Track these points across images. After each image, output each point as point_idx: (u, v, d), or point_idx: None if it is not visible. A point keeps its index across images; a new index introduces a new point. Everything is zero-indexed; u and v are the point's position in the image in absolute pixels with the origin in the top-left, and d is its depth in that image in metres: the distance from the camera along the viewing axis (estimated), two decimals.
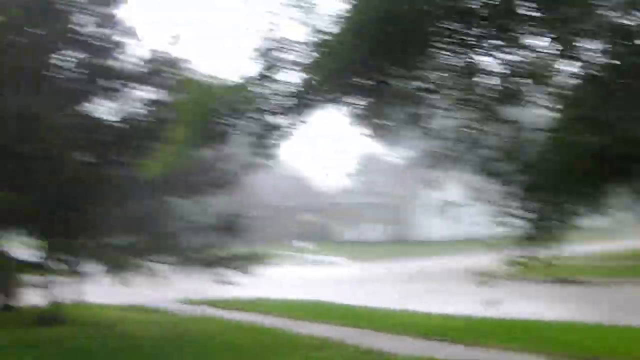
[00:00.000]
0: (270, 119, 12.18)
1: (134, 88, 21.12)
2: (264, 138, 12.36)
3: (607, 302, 23.07)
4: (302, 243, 67.97)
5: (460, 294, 26.11)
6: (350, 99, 11.85)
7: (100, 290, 27.09)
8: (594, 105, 9.48)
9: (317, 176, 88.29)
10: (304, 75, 11.67)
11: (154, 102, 20.66)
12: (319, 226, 78.83)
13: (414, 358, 13.64)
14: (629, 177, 10.36)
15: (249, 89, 12.07)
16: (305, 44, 11.55)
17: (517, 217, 10.82)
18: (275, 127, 12.22)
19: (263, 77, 11.93)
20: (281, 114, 12.13)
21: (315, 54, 11.39)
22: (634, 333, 15.50)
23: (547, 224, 10.78)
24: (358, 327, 18.44)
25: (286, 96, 11.89)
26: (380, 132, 13.09)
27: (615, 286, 27.51)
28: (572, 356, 13.45)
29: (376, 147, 70.35)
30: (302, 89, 11.78)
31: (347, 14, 10.75)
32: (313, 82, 11.62)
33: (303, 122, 12.25)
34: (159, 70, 20.01)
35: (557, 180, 10.28)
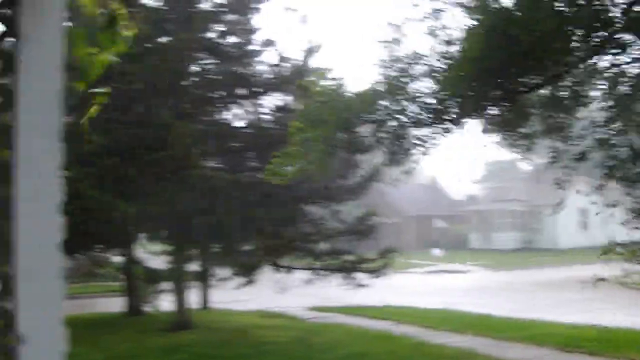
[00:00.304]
0: (407, 131, 12.15)
1: (268, 95, 21.41)
2: (402, 150, 12.34)
3: None
4: (433, 250, 67.57)
5: (594, 303, 25.42)
6: (485, 110, 11.69)
7: (228, 296, 27.52)
8: None
9: (449, 183, 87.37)
10: (438, 88, 11.60)
11: (285, 109, 20.87)
12: (450, 234, 78.13)
13: None
14: None
15: (381, 99, 12.06)
16: (438, 55, 11.47)
17: None
18: (412, 140, 12.19)
19: (396, 87, 11.88)
20: (418, 125, 12.07)
21: (449, 66, 11.30)
22: None
23: None
24: (489, 337, 18.11)
25: (422, 108, 11.83)
26: (515, 139, 12.90)
27: None
28: None
29: (508, 154, 69.39)
30: (438, 102, 11.71)
31: (479, 24, 10.59)
32: (448, 95, 11.52)
33: (442, 135, 12.17)
34: (293, 77, 20.16)
35: None
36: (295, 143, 13.13)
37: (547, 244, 67.97)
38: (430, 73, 11.61)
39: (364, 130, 12.69)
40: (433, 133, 12.18)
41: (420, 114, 11.90)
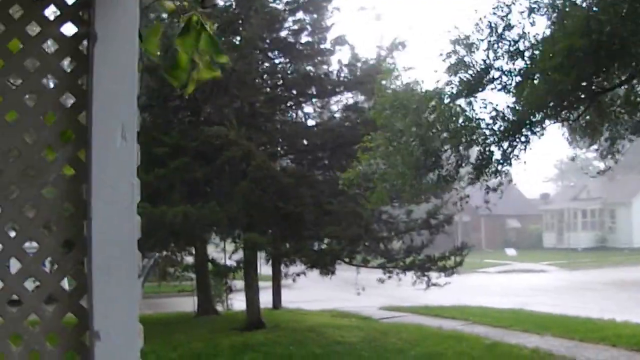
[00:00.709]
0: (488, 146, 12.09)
1: (341, 94, 21.44)
2: (481, 162, 12.30)
3: None
4: (507, 250, 66.95)
5: None
6: (566, 114, 11.55)
7: (301, 296, 27.60)
8: None
9: (523, 182, 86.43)
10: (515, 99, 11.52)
11: (358, 108, 20.88)
12: (523, 233, 77.33)
13: None
14: None
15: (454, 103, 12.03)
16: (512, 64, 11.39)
17: None
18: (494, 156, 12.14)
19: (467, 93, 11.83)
20: (500, 140, 12.01)
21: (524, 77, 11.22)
22: None
23: None
24: (565, 338, 17.86)
25: (500, 119, 11.76)
26: (594, 139, 12.73)
27: None
28: None
29: (585, 153, 68.42)
30: (514, 113, 11.63)
31: (560, 27, 10.46)
32: (526, 105, 11.43)
33: (523, 148, 12.08)
34: (366, 77, 20.13)
35: None
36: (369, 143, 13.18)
37: (622, 243, 66.82)
38: (504, 86, 11.54)
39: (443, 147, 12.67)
40: (514, 146, 12.10)
41: (499, 125, 11.85)
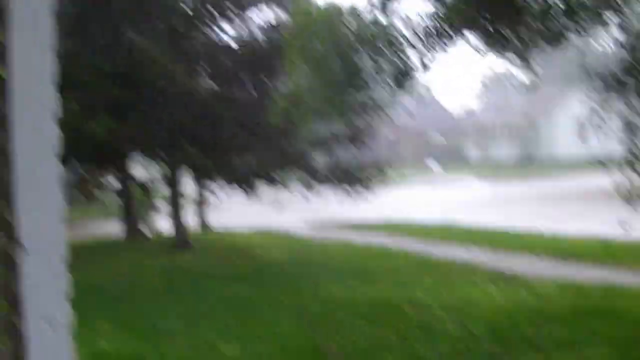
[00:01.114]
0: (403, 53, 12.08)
1: (256, 11, 21.14)
2: (400, 72, 12.29)
3: None
4: (431, 164, 67.77)
5: (595, 214, 25.53)
6: (481, 24, 11.56)
7: (227, 216, 27.60)
8: None
9: (447, 97, 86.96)
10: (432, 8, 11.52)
11: (276, 26, 20.61)
12: (447, 148, 78.28)
13: (551, 281, 13.28)
14: None
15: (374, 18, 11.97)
16: None
17: None
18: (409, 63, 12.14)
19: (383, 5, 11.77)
20: (414, 46, 12.00)
21: None
22: None
23: None
24: (492, 250, 18.20)
25: (418, 29, 11.75)
26: (514, 52, 12.77)
27: None
28: None
29: (507, 67, 68.97)
30: (433, 22, 11.63)
31: None
32: (442, 14, 11.43)
33: (437, 53, 12.09)
34: None
35: None
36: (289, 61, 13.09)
37: (546, 156, 68.15)
38: None
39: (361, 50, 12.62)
40: (430, 50, 12.11)
41: (417, 35, 11.83)
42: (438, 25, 11.75)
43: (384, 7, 11.98)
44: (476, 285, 13.04)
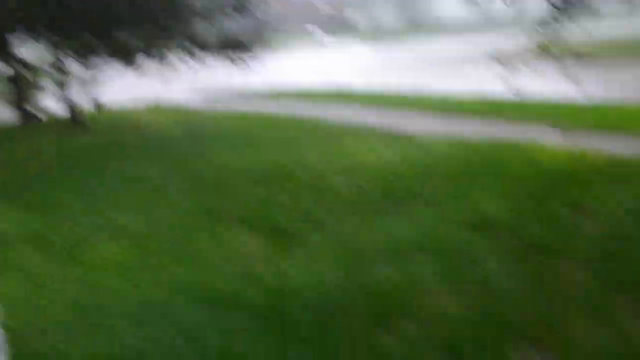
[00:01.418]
0: None
1: None
2: None
3: (620, 81, 23.13)
4: (317, 31, 67.59)
5: (479, 75, 26.11)
6: None
7: (118, 92, 27.25)
8: None
9: None
10: None
11: None
12: (334, 14, 78.04)
13: (441, 138, 13.68)
14: None
15: None
16: None
17: None
18: None
19: None
20: None
21: None
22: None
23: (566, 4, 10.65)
24: (378, 111, 18.56)
25: None
26: None
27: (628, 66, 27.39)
28: (587, 130, 13.54)
29: None
30: None
31: None
32: None
33: None
34: None
35: None
36: None
37: (433, 19, 68.70)
38: None
39: None
40: None
41: None
42: None
43: None
44: (367, 145, 13.39)
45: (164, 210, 9.77)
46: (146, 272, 7.42)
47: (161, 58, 20.66)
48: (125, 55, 20.32)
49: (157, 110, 23.68)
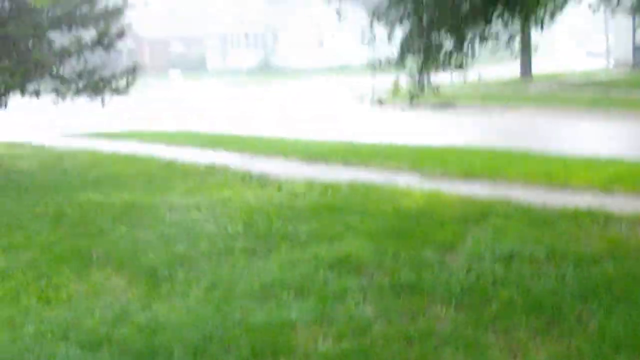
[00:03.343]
0: None
1: None
2: None
3: (481, 126, 24.13)
4: (171, 72, 67.44)
5: (333, 119, 26.69)
6: None
7: None
8: None
9: (188, 5, 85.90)
10: None
11: None
12: (189, 55, 78.03)
13: (302, 180, 13.86)
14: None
15: None
16: None
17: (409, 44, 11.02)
18: None
19: None
20: None
21: None
22: (499, 154, 16.19)
23: (433, 51, 11.03)
24: (238, 152, 18.56)
25: None
26: None
27: (488, 111, 28.54)
28: (446, 174, 14.05)
29: None
30: None
31: None
32: None
33: None
34: None
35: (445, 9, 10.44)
36: None
37: (284, 63, 69.49)
38: None
39: None
40: None
41: None
42: None
43: None
44: (228, 186, 13.50)
45: (32, 251, 9.59)
46: (11, 310, 7.32)
47: (24, 94, 20.22)
48: None
49: (18, 146, 23.06)
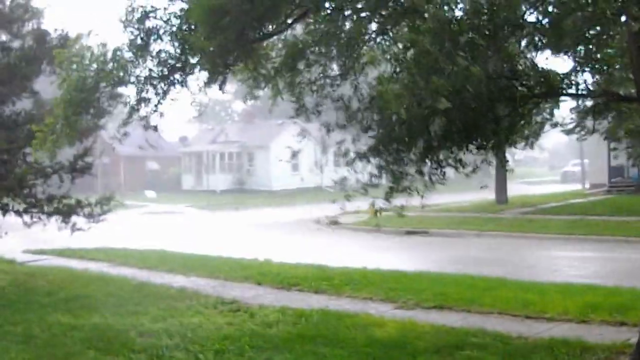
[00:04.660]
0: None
1: None
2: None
3: (456, 253, 24.18)
4: (146, 192, 67.49)
5: (304, 243, 26.70)
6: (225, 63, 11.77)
7: None
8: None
9: (161, 124, 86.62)
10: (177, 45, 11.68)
11: (9, 49, 19.87)
12: (163, 175, 78.22)
13: (273, 307, 13.76)
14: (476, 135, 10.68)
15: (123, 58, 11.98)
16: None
17: (381, 171, 11.06)
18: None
19: (136, 46, 11.81)
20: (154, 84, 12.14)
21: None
22: (474, 282, 16.19)
23: (398, 176, 11.07)
24: (210, 277, 18.41)
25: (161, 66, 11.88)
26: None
27: (456, 237, 28.71)
28: (420, 303, 13.99)
29: (221, 95, 70.32)
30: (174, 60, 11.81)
31: None
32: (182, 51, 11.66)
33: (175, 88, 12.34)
34: (18, 17, 19.27)
35: (410, 134, 10.52)
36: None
37: (260, 186, 69.79)
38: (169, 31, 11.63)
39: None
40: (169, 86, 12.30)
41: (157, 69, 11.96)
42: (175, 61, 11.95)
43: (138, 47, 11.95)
44: (199, 312, 13.33)
45: None
46: None
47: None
48: None
49: None
